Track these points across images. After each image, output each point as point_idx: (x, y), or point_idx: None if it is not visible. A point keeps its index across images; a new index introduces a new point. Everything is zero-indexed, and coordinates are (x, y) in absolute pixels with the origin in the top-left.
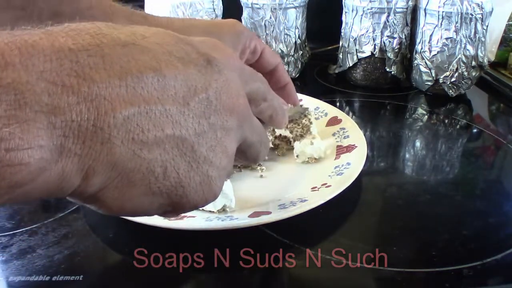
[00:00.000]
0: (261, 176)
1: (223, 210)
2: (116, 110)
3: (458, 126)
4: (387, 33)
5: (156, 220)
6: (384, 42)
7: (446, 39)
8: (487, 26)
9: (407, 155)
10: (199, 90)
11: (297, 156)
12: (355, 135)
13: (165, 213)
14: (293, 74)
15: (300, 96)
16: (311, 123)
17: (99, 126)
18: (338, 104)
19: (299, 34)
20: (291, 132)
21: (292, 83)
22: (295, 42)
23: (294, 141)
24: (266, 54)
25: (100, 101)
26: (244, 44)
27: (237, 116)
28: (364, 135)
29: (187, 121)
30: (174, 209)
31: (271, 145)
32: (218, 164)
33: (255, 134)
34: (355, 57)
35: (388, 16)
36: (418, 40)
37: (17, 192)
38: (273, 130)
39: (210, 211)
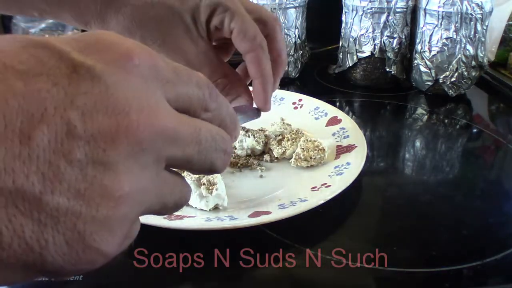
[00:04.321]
0: (261, 176)
1: (215, 209)
2: None
3: (458, 126)
4: (387, 33)
5: (156, 220)
6: (384, 42)
7: (446, 39)
8: (487, 26)
9: (407, 155)
10: (48, 115)
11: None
12: (355, 135)
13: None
14: (293, 74)
15: (300, 96)
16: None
17: None
18: (338, 104)
19: (299, 34)
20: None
21: (267, 78)
22: (295, 42)
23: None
24: (236, 37)
25: None
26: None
27: (127, 142)
28: (364, 135)
29: (26, 164)
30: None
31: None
32: (95, 213)
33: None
34: (355, 57)
35: (388, 16)
36: (418, 40)
37: None
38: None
39: (202, 210)
